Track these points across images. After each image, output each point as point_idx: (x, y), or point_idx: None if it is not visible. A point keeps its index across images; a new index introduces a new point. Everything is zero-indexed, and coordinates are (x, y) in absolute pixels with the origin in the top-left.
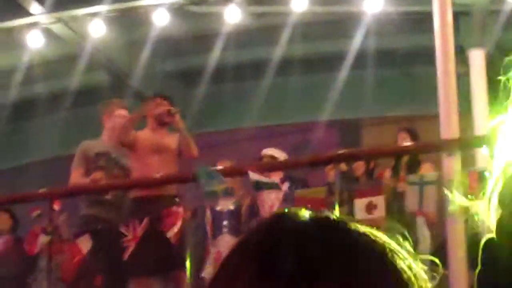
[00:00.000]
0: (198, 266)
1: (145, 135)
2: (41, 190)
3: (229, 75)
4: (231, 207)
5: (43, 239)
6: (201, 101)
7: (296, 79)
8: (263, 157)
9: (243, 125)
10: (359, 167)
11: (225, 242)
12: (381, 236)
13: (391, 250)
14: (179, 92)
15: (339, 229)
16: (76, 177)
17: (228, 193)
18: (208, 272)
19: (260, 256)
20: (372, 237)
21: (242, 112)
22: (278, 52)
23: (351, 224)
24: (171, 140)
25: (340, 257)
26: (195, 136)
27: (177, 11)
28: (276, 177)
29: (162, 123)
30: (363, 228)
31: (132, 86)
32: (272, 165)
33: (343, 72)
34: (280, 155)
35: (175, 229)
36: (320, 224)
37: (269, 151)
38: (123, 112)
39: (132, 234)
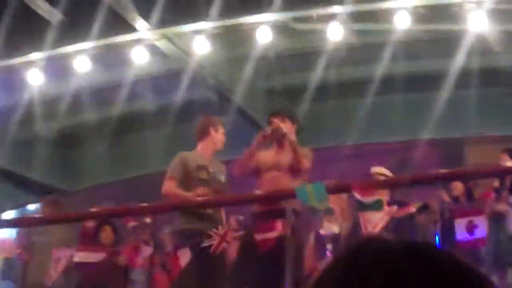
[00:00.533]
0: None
1: (265, 154)
2: (145, 204)
3: (332, 93)
4: (335, 230)
5: (145, 251)
6: (303, 118)
7: (399, 97)
8: (372, 175)
9: (345, 143)
10: (458, 186)
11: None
12: (468, 264)
13: (479, 278)
14: (276, 105)
15: (427, 256)
16: (172, 186)
17: (329, 212)
18: None
19: (347, 280)
20: (462, 265)
21: (344, 129)
22: (381, 69)
23: (438, 250)
24: (287, 156)
25: (426, 283)
26: None
27: (280, 28)
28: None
29: (278, 141)
30: (452, 255)
31: (235, 103)
32: (374, 183)
33: (447, 91)
34: (389, 174)
35: (267, 238)
36: (408, 250)
37: (378, 169)
38: (223, 130)
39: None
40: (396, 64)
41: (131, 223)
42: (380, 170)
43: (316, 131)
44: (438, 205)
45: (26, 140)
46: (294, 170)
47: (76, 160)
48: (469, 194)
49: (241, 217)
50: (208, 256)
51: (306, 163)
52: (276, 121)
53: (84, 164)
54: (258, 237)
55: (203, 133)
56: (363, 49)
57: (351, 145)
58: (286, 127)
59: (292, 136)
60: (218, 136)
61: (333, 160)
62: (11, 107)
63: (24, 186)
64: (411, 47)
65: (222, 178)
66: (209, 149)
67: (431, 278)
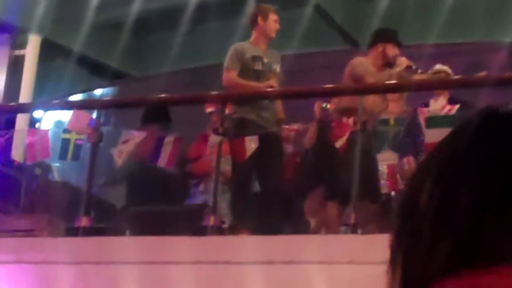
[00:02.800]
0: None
1: (371, 72)
2: (214, 92)
3: None
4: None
5: (214, 139)
6: (381, 16)
7: None
8: (434, 73)
9: (424, 41)
10: None
11: (387, 157)
12: None
13: None
14: (357, 5)
15: None
16: (232, 77)
17: None
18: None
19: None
20: None
21: (423, 27)
22: None
23: None
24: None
25: None
26: None
27: None
28: (443, 97)
29: (387, 64)
30: None
31: None
32: (446, 83)
33: None
34: (451, 72)
35: (342, 140)
36: None
37: (441, 67)
38: (276, 17)
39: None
40: None
41: (210, 109)
42: (443, 69)
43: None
44: None
45: (100, 25)
46: None
47: (150, 46)
48: None
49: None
50: (275, 146)
51: None
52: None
53: (156, 52)
54: (337, 144)
55: (253, 23)
56: None
57: (431, 45)
58: (392, 51)
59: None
60: (267, 24)
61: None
62: None
63: (95, 71)
64: None
65: (277, 68)
66: (261, 38)
67: None
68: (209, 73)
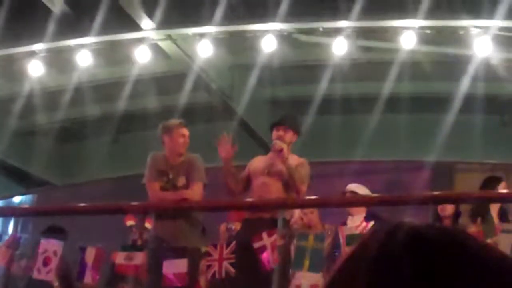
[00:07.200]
0: None
1: (259, 160)
2: (135, 203)
3: (335, 107)
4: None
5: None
6: (306, 131)
7: (403, 117)
8: (346, 192)
9: (347, 158)
10: (447, 208)
11: (306, 278)
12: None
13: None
14: None
15: (461, 241)
16: (155, 190)
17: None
18: None
19: (378, 267)
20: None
21: (347, 145)
22: (386, 88)
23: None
24: (281, 165)
25: (464, 267)
26: None
27: (285, 38)
28: (360, 214)
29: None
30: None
31: (236, 110)
32: (359, 201)
33: (449, 114)
34: (363, 191)
35: (266, 253)
36: (439, 232)
37: (352, 187)
38: (184, 131)
39: (217, 255)
40: (401, 83)
41: (129, 222)
42: (354, 188)
43: (318, 144)
44: None
45: (24, 133)
46: (289, 188)
47: (73, 155)
48: (456, 219)
49: (232, 226)
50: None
51: (303, 188)
52: (280, 133)
53: (82, 160)
54: (255, 245)
55: (162, 141)
56: (368, 66)
57: (352, 161)
58: (289, 137)
59: (294, 158)
60: (173, 141)
61: (329, 175)
62: (11, 98)
63: (14, 178)
64: (416, 67)
65: (180, 182)
66: (170, 154)
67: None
68: (132, 182)
